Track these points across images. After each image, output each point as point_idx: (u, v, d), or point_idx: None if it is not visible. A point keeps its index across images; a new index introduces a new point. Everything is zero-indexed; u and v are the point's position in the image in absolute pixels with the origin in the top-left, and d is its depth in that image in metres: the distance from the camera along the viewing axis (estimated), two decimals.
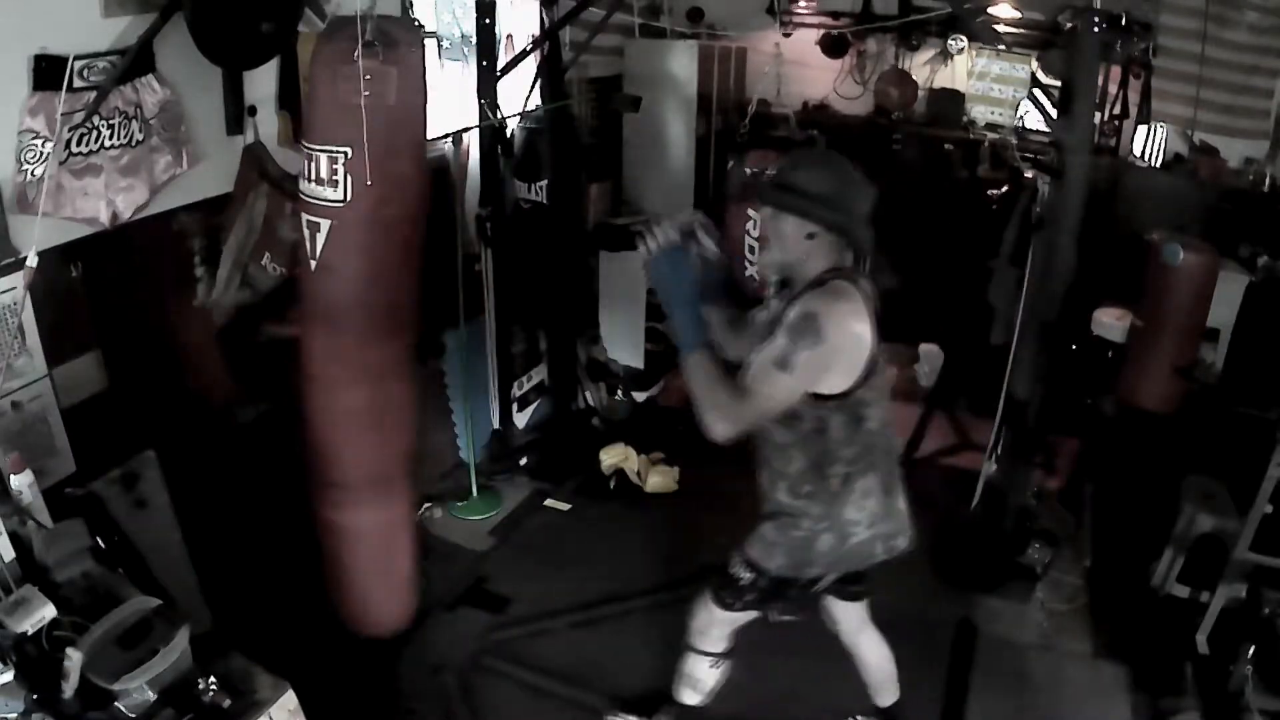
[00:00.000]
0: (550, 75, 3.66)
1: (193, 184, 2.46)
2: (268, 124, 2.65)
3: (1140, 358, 3.39)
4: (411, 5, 3.37)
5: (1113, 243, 3.63)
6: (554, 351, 4.19)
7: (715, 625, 2.24)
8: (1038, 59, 4.97)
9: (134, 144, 2.23)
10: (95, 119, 2.11)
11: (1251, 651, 2.48)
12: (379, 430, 2.45)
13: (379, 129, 2.02)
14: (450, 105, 3.66)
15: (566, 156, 3.87)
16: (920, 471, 4.04)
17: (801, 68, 5.21)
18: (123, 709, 1.46)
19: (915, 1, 4.56)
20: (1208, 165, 4.32)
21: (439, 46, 3.75)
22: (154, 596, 1.63)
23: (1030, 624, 3.07)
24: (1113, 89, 4.49)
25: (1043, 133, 5.03)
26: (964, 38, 5.14)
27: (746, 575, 2.10)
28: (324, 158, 2.08)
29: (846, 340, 1.82)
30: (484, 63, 3.40)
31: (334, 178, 2.08)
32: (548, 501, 3.71)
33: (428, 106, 2.25)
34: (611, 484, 3.81)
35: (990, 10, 4.64)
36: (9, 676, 1.43)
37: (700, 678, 2.33)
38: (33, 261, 1.89)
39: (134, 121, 2.22)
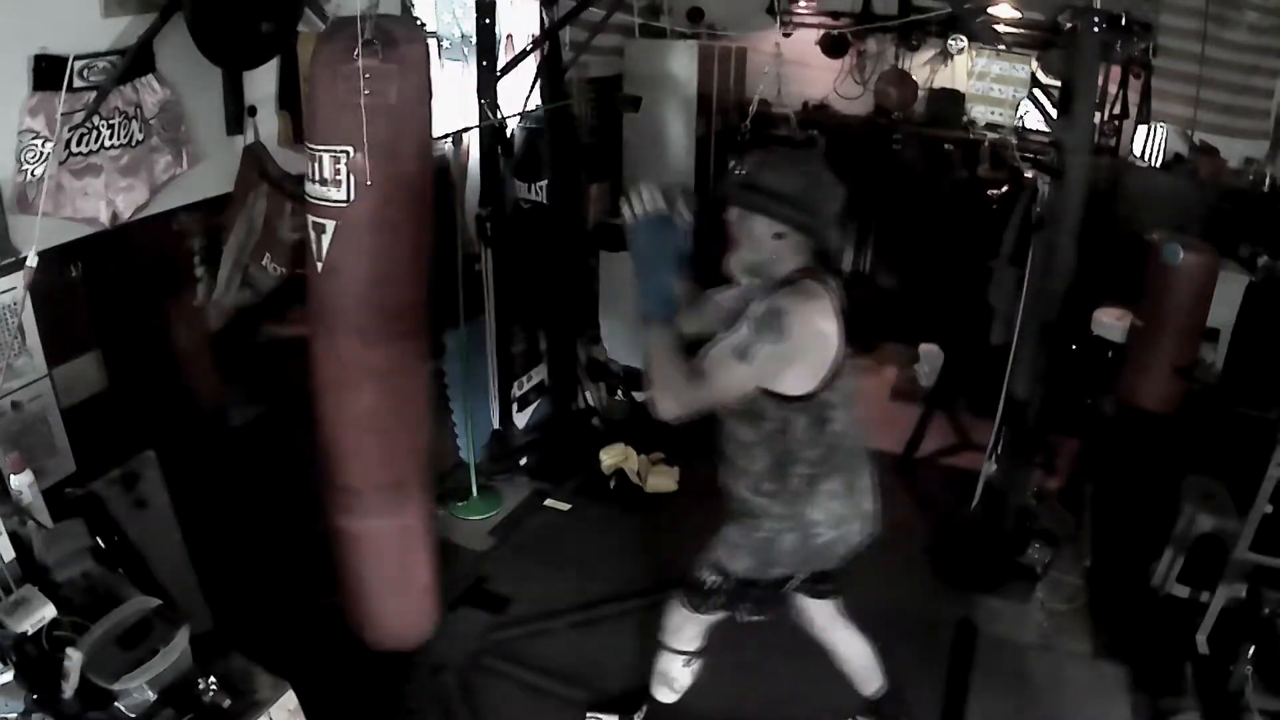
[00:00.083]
0: (550, 75, 3.66)
1: (193, 184, 2.46)
2: (268, 124, 2.65)
3: (1140, 358, 3.39)
4: (412, 5, 3.37)
5: (1113, 243, 3.63)
6: (554, 351, 4.19)
7: (687, 625, 2.26)
8: (1038, 59, 4.97)
9: (134, 144, 2.23)
10: (95, 119, 2.11)
11: (1251, 651, 2.48)
12: (391, 433, 2.40)
13: (381, 128, 2.01)
14: (450, 105, 3.66)
15: (566, 156, 3.87)
16: (920, 471, 4.07)
17: (801, 68, 5.22)
18: (123, 709, 1.46)
19: (915, 1, 4.56)
20: (1208, 165, 4.31)
21: (439, 46, 3.75)
22: (154, 596, 1.63)
23: (1030, 624, 3.07)
24: (1113, 89, 4.49)
25: (1043, 133, 5.03)
26: (964, 38, 5.14)
27: (712, 578, 2.11)
28: (327, 158, 2.07)
29: (811, 340, 1.81)
30: (484, 63, 3.40)
31: (337, 178, 2.07)
32: (548, 501, 3.71)
33: (432, 105, 2.23)
34: (611, 484, 3.81)
35: (990, 10, 4.64)
36: (9, 676, 1.43)
37: (674, 676, 2.35)
38: (33, 261, 1.89)
39: (134, 121, 2.22)
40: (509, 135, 3.62)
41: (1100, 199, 3.77)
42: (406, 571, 2.59)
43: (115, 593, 1.66)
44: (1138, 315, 3.40)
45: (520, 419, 4.11)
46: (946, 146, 5.37)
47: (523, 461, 3.89)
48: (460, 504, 3.59)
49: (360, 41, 1.94)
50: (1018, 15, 4.66)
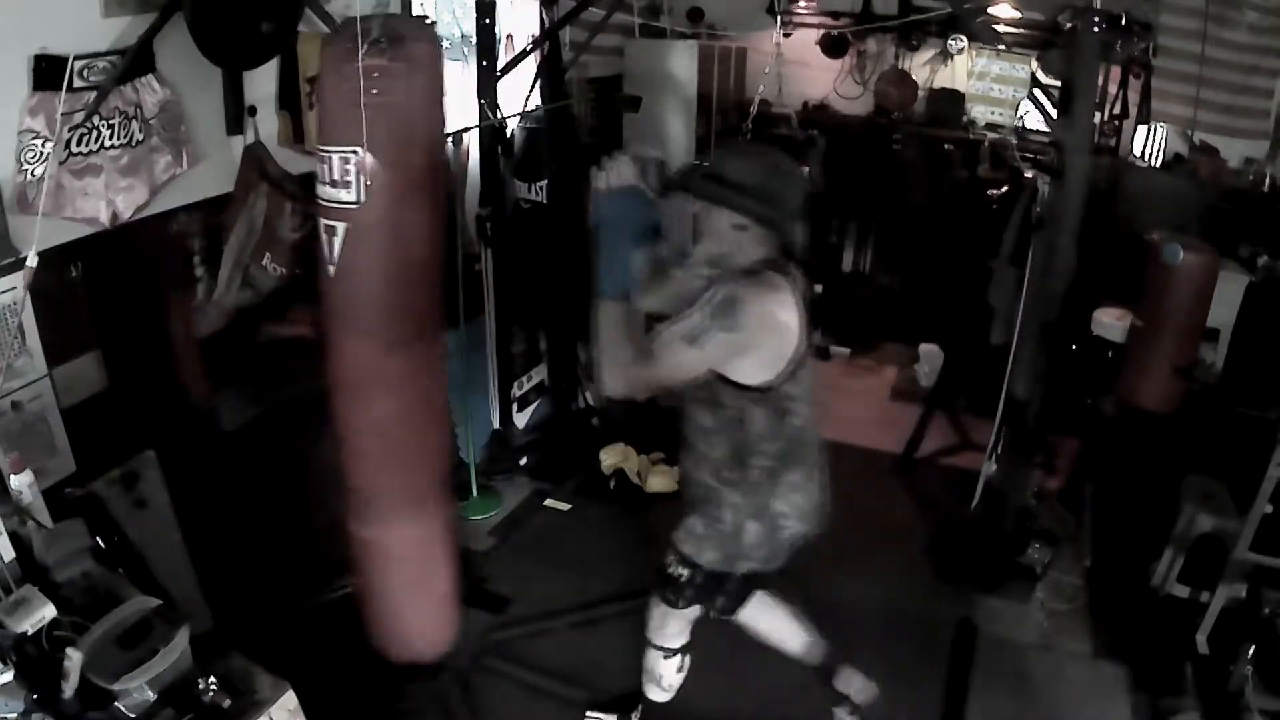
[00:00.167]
0: (550, 75, 3.66)
1: (193, 184, 2.46)
2: (268, 124, 2.65)
3: (1140, 358, 3.38)
4: (412, 5, 3.37)
5: (1113, 243, 3.63)
6: (554, 351, 4.19)
7: (669, 621, 2.27)
8: (1038, 59, 4.97)
9: (134, 144, 2.23)
10: (95, 119, 2.11)
11: (1251, 651, 2.48)
12: (409, 439, 2.33)
13: (391, 128, 1.99)
14: (450, 105, 3.66)
15: (566, 156, 3.87)
16: (920, 471, 4.07)
17: (801, 68, 5.22)
18: (123, 709, 1.46)
19: (915, 1, 4.56)
20: (1208, 165, 4.31)
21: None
22: (154, 596, 1.63)
23: (1030, 624, 3.07)
24: (1113, 89, 4.50)
25: (1043, 133, 5.03)
26: (964, 38, 5.14)
27: (683, 571, 2.11)
28: (336, 159, 2.03)
29: (765, 330, 1.81)
30: (484, 63, 3.40)
31: (346, 179, 2.03)
32: (548, 501, 3.71)
33: (444, 104, 2.20)
34: (611, 484, 3.81)
35: (990, 10, 4.64)
36: (9, 676, 1.43)
37: (662, 673, 2.36)
38: (33, 261, 1.89)
39: (134, 121, 2.22)
40: (509, 135, 3.62)
41: (1100, 199, 3.77)
42: (426, 580, 2.52)
43: (115, 593, 1.66)
44: (1138, 315, 3.40)
45: (520, 419, 4.11)
46: (946, 146, 5.37)
47: (523, 461, 3.89)
48: (460, 504, 3.58)
49: (358, 41, 1.93)
50: (1018, 15, 4.66)
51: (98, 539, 1.80)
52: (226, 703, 1.51)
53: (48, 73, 1.99)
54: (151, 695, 1.48)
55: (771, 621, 2.38)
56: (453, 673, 2.71)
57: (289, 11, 2.40)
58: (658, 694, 2.40)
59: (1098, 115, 4.21)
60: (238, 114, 2.55)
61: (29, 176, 2.01)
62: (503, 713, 2.63)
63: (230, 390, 2.75)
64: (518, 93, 3.73)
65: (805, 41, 5.26)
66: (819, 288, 4.53)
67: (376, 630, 2.54)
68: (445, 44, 3.74)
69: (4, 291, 2.01)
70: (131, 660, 1.48)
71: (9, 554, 1.61)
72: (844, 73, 5.56)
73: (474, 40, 3.49)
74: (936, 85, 5.48)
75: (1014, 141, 5.05)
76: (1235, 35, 4.14)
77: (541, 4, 3.65)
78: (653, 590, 2.25)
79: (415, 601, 2.53)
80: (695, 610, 2.24)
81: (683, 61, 4.62)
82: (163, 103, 2.28)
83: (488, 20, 3.39)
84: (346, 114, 1.97)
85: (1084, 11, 2.75)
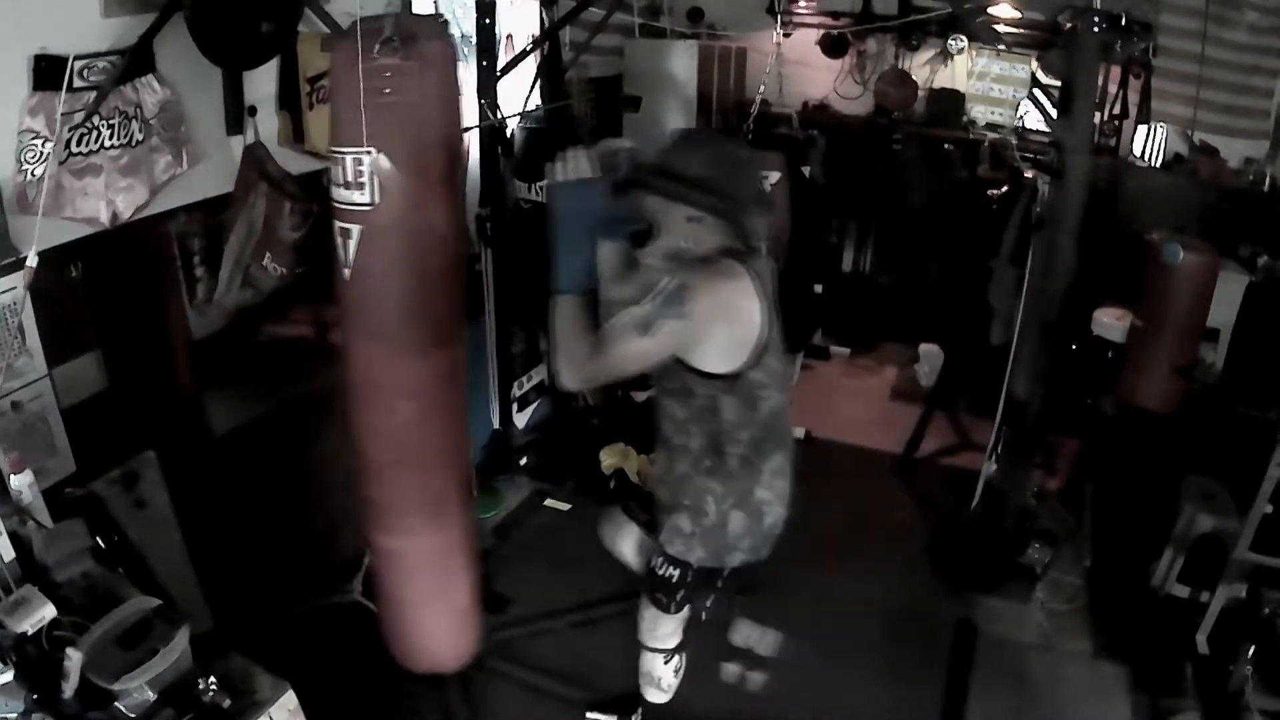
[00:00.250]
0: (550, 75, 3.66)
1: (193, 184, 2.45)
2: (268, 124, 2.64)
3: (1140, 358, 3.39)
4: (412, 5, 3.37)
5: (1113, 243, 3.63)
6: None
7: (660, 623, 2.26)
8: (1038, 59, 4.97)
9: (134, 144, 2.23)
10: (95, 119, 2.10)
11: (1251, 651, 2.48)
12: (428, 447, 2.28)
13: (404, 127, 1.97)
14: None
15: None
16: (920, 471, 4.07)
17: (801, 68, 5.22)
18: (123, 709, 1.46)
19: (915, 1, 4.56)
20: (1208, 165, 4.31)
21: None
22: (154, 596, 1.63)
23: (1030, 624, 3.07)
24: (1113, 89, 4.50)
25: (1043, 133, 5.03)
26: (964, 38, 5.14)
27: (673, 572, 2.09)
28: (349, 160, 2.01)
29: (718, 318, 1.79)
30: (484, 63, 3.40)
31: (360, 180, 2.00)
32: (548, 501, 3.71)
33: (459, 103, 2.17)
34: (611, 484, 3.81)
35: (990, 10, 4.64)
36: (9, 676, 1.43)
37: (659, 675, 2.36)
38: (33, 261, 1.89)
39: (134, 121, 2.21)
40: (509, 135, 3.62)
41: (1100, 199, 3.77)
42: (446, 591, 2.48)
43: (115, 593, 1.66)
44: (1138, 315, 3.40)
45: (520, 419, 4.11)
46: (946, 146, 5.37)
47: (523, 461, 3.89)
48: None
49: (356, 40, 1.93)
50: (1018, 15, 4.66)
51: (98, 539, 1.80)
52: (226, 703, 1.51)
53: (48, 73, 1.99)
54: (151, 695, 1.48)
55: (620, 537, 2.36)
56: (453, 673, 2.71)
57: (289, 11, 2.40)
58: (656, 695, 2.40)
59: (1098, 115, 4.21)
60: (238, 114, 2.55)
61: (29, 176, 2.01)
62: (503, 713, 2.63)
63: (230, 390, 2.75)
64: (518, 93, 3.73)
65: (805, 41, 5.26)
66: (819, 288, 4.55)
67: (396, 641, 2.50)
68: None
69: (4, 291, 2.01)
70: (131, 660, 1.48)
71: (9, 554, 1.61)
72: (844, 73, 5.55)
73: (474, 40, 3.49)
74: (936, 85, 5.48)
75: (1014, 141, 5.05)
76: (1235, 35, 4.14)
77: (541, 4, 3.65)
78: (643, 594, 2.24)
79: (435, 612, 2.49)
80: (685, 612, 2.24)
81: (683, 61, 4.62)
82: (163, 103, 2.28)
83: (488, 20, 3.39)
84: (358, 114, 1.93)
85: (1084, 11, 2.75)
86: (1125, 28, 3.74)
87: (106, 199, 2.19)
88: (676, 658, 2.36)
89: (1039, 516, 3.39)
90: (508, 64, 3.57)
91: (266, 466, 2.72)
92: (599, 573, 3.21)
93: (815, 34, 5.31)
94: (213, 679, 1.51)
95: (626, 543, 2.32)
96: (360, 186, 2.01)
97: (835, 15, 5.12)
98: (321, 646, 2.56)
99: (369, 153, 1.97)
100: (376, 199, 2.01)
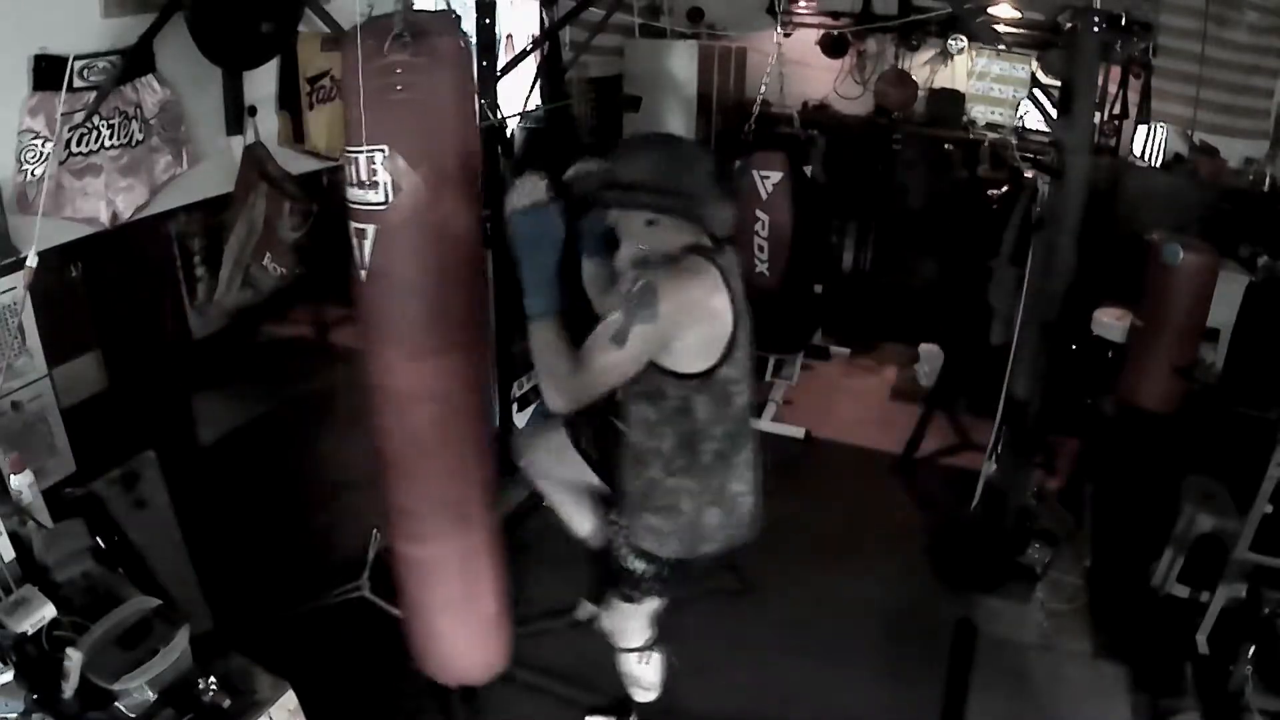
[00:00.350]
0: (550, 75, 3.66)
1: (193, 184, 2.45)
2: (268, 124, 2.65)
3: (1140, 358, 3.39)
4: (413, 3, 3.37)
5: (1113, 243, 3.63)
6: None
7: (630, 620, 2.25)
8: (1038, 59, 4.98)
9: (134, 144, 2.23)
10: (95, 119, 2.11)
11: (1251, 651, 2.48)
12: (449, 451, 2.21)
13: (417, 124, 1.95)
14: None
15: (566, 156, 3.86)
16: (920, 471, 4.07)
17: (801, 68, 5.22)
18: (123, 709, 1.46)
19: (915, 1, 4.56)
20: (1208, 165, 4.32)
21: None
22: (154, 596, 1.63)
23: (1030, 624, 3.07)
24: (1113, 89, 4.50)
25: (1043, 133, 5.04)
26: (964, 38, 5.15)
27: (644, 566, 2.06)
28: (362, 159, 1.98)
29: (686, 317, 1.77)
30: (484, 63, 3.40)
31: (374, 180, 1.97)
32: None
33: (473, 99, 2.14)
34: None
35: (990, 10, 4.65)
36: (9, 676, 1.43)
37: (639, 674, 2.35)
38: (33, 261, 1.89)
39: (134, 121, 2.22)
40: (509, 135, 3.62)
41: (1100, 199, 3.77)
42: (471, 599, 2.41)
43: (115, 593, 1.66)
44: (1138, 315, 3.40)
45: (520, 419, 4.10)
46: (946, 146, 5.38)
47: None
48: None
49: (366, 36, 1.92)
50: (1018, 15, 4.67)
51: (98, 539, 1.80)
52: (226, 703, 1.51)
53: (48, 73, 1.99)
54: (151, 695, 1.48)
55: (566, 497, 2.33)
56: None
57: (289, 11, 2.40)
58: (643, 695, 2.38)
59: (1098, 115, 4.22)
60: (238, 114, 2.55)
61: (29, 176, 2.01)
62: (503, 713, 2.62)
63: (230, 390, 2.76)
64: (518, 93, 3.73)
65: (805, 41, 5.26)
66: (819, 288, 4.55)
67: (423, 652, 2.45)
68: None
69: (4, 291, 2.01)
70: (131, 660, 1.48)
71: (9, 554, 1.61)
72: (844, 73, 5.56)
73: (474, 40, 3.49)
74: (936, 85, 5.49)
75: (1014, 141, 5.05)
76: (1235, 35, 4.15)
77: (541, 4, 3.65)
78: (608, 590, 2.21)
79: (461, 621, 2.42)
80: (653, 604, 2.22)
81: (683, 61, 4.62)
82: (163, 103, 2.28)
83: (488, 20, 3.39)
84: (371, 112, 1.91)
85: (1084, 11, 2.75)
86: (1125, 28, 3.74)
87: (106, 199, 2.19)
88: (652, 654, 2.33)
89: (1039, 516, 3.39)
90: (508, 64, 3.57)
91: (266, 466, 2.72)
92: (599, 573, 3.22)
93: (815, 34, 5.32)
94: (213, 679, 1.51)
95: (558, 467, 2.25)
96: (374, 185, 1.98)
97: (835, 15, 5.13)
98: (323, 646, 2.56)
99: (382, 151, 1.95)
100: (390, 198, 1.98)
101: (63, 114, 2.01)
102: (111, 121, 2.16)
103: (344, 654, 2.64)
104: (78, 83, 2.05)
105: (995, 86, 5.44)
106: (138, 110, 2.22)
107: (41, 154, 2.01)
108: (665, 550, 2.03)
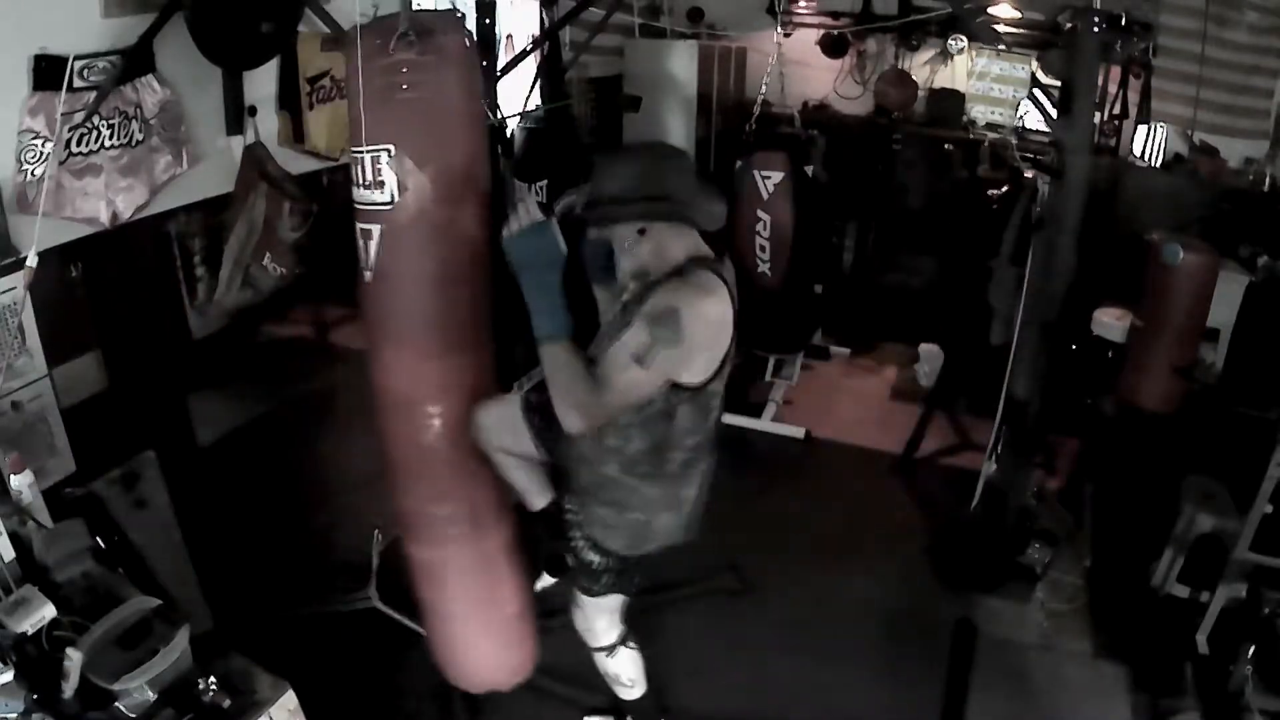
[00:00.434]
0: (550, 75, 3.66)
1: (193, 184, 2.45)
2: (268, 124, 2.65)
3: (1140, 358, 3.39)
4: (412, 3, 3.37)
5: (1113, 243, 3.63)
6: None
7: (595, 618, 2.25)
8: (1038, 59, 4.98)
9: (134, 144, 2.23)
10: (95, 119, 2.11)
11: (1251, 651, 2.48)
12: (460, 452, 2.18)
13: (422, 124, 1.95)
14: None
15: (566, 156, 3.87)
16: (920, 471, 4.07)
17: (802, 68, 5.23)
18: (123, 709, 1.46)
19: (915, 1, 4.56)
20: (1208, 165, 4.32)
21: None
22: (154, 596, 1.63)
23: (1030, 624, 3.07)
24: (1113, 89, 4.50)
25: (1043, 133, 5.04)
26: (964, 38, 5.15)
27: (596, 558, 2.08)
28: (367, 159, 1.97)
29: (707, 337, 1.79)
30: (484, 63, 3.40)
31: (379, 179, 1.96)
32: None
33: (479, 97, 2.14)
34: None
35: (990, 10, 4.65)
36: (9, 676, 1.43)
37: (617, 671, 2.34)
38: (33, 261, 1.89)
39: (134, 121, 2.21)
40: (509, 135, 3.62)
41: (1100, 199, 3.77)
42: (491, 602, 2.37)
43: (115, 593, 1.66)
44: (1138, 315, 3.40)
45: None
46: (946, 146, 5.38)
47: None
48: None
49: (369, 36, 1.92)
50: (1018, 15, 4.67)
51: (98, 539, 1.80)
52: (226, 703, 1.51)
53: (48, 73, 1.99)
54: (151, 695, 1.48)
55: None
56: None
57: (289, 11, 2.40)
58: (627, 692, 2.38)
59: (1098, 115, 4.22)
60: (238, 114, 2.55)
61: (29, 176, 2.01)
62: (503, 713, 2.62)
63: (230, 390, 2.76)
64: (518, 93, 3.73)
65: (805, 41, 5.26)
66: (819, 288, 4.55)
67: (445, 660, 2.42)
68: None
69: (4, 291, 2.01)
70: (131, 660, 1.48)
71: (9, 554, 1.61)
72: (844, 73, 5.56)
73: (474, 40, 3.49)
74: (936, 85, 5.49)
75: (1014, 141, 5.05)
76: (1235, 35, 4.15)
77: (541, 4, 3.65)
78: (569, 582, 2.21)
79: (485, 623, 2.38)
80: (615, 600, 2.22)
81: (683, 61, 4.62)
82: (163, 103, 2.28)
83: (488, 20, 3.39)
84: (376, 112, 1.91)
85: (1084, 11, 2.75)
86: (1125, 28, 3.74)
87: (106, 199, 2.19)
88: (624, 650, 2.32)
89: (1039, 516, 3.39)
90: (508, 64, 3.58)
91: (266, 466, 2.72)
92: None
93: (815, 34, 5.32)
94: (213, 679, 1.52)
95: (511, 439, 2.15)
96: (379, 185, 1.97)
97: (835, 15, 5.13)
98: (323, 646, 2.56)
99: (387, 150, 1.94)
100: (396, 197, 1.97)
101: (63, 114, 2.00)
102: (111, 121, 2.16)
103: (344, 654, 2.64)
104: (78, 83, 2.05)
105: (995, 86, 5.45)
106: (138, 110, 2.22)
107: (41, 154, 2.01)
108: (612, 544, 2.04)
